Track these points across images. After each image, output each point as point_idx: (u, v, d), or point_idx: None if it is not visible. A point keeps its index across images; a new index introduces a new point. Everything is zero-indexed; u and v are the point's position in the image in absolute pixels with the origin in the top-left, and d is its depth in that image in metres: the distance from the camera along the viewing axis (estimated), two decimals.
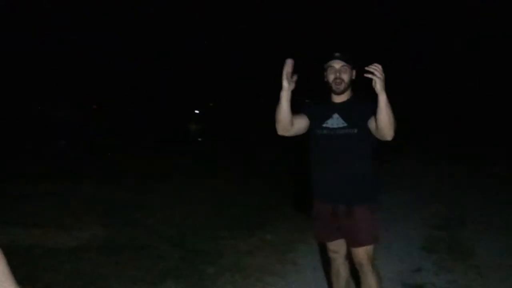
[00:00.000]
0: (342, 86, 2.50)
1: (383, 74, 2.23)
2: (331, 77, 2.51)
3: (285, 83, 2.38)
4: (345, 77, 2.50)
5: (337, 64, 2.49)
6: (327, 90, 2.59)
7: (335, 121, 2.54)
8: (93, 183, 6.92)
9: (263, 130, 6.98)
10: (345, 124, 2.52)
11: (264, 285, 3.44)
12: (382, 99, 2.26)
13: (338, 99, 2.58)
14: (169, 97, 25.63)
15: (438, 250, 4.21)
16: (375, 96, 2.27)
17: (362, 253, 2.54)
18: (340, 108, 2.56)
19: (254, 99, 24.08)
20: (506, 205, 5.87)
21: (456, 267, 3.79)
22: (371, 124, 2.44)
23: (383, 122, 2.30)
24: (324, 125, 2.56)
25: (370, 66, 2.23)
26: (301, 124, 2.60)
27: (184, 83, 26.37)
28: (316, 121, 2.61)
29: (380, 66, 2.23)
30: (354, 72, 2.56)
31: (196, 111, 25.80)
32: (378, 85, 2.23)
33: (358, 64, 2.52)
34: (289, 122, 2.51)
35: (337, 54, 2.48)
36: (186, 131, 18.38)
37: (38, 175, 7.47)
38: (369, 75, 2.23)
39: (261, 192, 6.62)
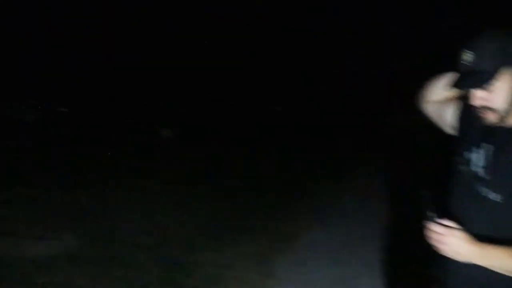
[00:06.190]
0: (490, 118, 1.31)
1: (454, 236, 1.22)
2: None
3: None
4: (495, 99, 1.28)
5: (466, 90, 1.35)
6: None
7: (477, 157, 1.36)
8: (59, 188, 6.68)
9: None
10: (485, 174, 1.31)
11: None
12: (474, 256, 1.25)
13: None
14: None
15: None
16: None
17: None
18: (493, 137, 1.34)
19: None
20: None
21: None
22: None
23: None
24: (466, 155, 1.39)
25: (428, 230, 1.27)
26: (443, 116, 1.58)
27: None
28: (463, 141, 1.44)
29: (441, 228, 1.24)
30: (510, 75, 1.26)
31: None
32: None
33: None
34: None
35: (462, 83, 1.31)
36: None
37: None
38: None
39: (239, 198, 6.56)
